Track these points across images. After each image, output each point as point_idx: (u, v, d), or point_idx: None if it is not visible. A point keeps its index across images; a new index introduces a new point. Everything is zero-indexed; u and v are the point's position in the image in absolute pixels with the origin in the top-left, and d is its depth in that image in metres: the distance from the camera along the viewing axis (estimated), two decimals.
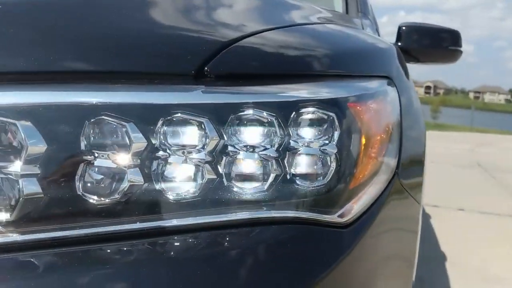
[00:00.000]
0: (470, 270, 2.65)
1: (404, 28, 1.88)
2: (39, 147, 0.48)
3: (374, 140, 0.64)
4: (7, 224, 0.49)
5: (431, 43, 1.92)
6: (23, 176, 0.48)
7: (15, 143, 0.48)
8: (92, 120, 0.50)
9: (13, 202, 0.49)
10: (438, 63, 2.06)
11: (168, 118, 0.52)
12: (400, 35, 1.88)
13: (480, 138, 10.89)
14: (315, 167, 0.56)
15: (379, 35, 1.72)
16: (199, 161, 0.53)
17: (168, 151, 0.52)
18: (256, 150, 0.54)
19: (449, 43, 1.94)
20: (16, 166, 0.48)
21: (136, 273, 0.50)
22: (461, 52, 1.97)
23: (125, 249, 0.52)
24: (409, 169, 0.76)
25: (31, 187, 0.48)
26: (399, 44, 1.86)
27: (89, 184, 0.50)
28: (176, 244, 0.53)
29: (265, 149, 0.54)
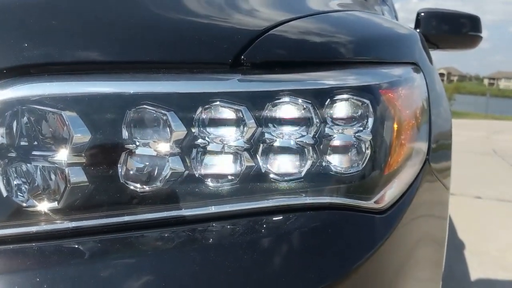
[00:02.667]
0: (489, 259, 2.64)
1: (423, 14, 1.86)
2: (84, 136, 0.50)
3: (406, 126, 0.64)
4: (54, 211, 0.51)
5: (451, 29, 1.90)
6: (69, 165, 0.50)
7: (61, 133, 0.50)
8: (133, 109, 0.51)
9: (60, 191, 0.50)
10: (457, 49, 2.04)
11: (207, 106, 0.53)
12: (419, 21, 1.86)
13: (495, 125, 10.76)
14: (350, 153, 0.57)
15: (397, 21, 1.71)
16: (238, 149, 0.54)
17: (207, 139, 0.53)
18: (293, 137, 0.55)
19: (468, 29, 1.92)
20: (63, 155, 0.50)
21: (176, 259, 0.51)
22: (481, 37, 1.95)
23: (166, 235, 0.53)
24: (438, 154, 0.76)
25: (77, 176, 0.50)
26: (418, 30, 1.84)
27: (131, 172, 0.52)
28: (214, 230, 0.54)
29: (302, 136, 0.55)
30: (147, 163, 0.52)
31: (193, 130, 0.53)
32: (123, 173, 0.52)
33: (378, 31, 0.80)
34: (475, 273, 2.43)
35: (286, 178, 0.55)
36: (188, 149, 0.53)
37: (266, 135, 0.55)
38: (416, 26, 1.87)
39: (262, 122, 0.54)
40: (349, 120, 0.57)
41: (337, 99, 0.56)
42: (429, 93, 0.78)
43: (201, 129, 0.53)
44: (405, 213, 0.60)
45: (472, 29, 1.91)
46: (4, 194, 0.51)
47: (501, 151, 6.57)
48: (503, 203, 3.89)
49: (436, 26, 1.86)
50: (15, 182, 0.51)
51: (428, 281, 0.73)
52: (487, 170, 5.29)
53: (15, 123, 0.50)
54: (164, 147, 0.52)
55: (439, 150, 0.77)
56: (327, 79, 0.58)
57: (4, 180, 0.51)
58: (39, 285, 0.46)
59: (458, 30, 1.91)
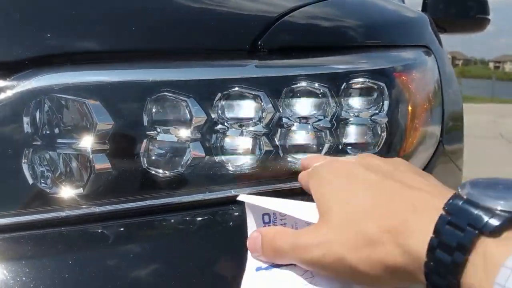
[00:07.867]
0: None
1: None
2: (107, 124, 0.51)
3: (420, 108, 0.65)
4: (79, 197, 0.52)
5: (458, 12, 1.89)
6: (93, 152, 0.51)
7: (84, 121, 0.51)
8: (154, 96, 0.52)
9: (84, 177, 0.52)
10: (465, 33, 2.03)
11: (226, 92, 0.54)
12: (425, 5, 1.85)
13: (501, 109, 10.70)
14: (366, 136, 0.58)
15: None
16: (256, 134, 0.55)
17: (226, 124, 0.54)
18: (310, 121, 0.56)
19: (476, 12, 1.91)
20: (87, 143, 0.51)
21: (198, 240, 0.53)
22: (488, 20, 1.94)
23: (187, 219, 0.55)
24: (451, 136, 0.77)
25: (102, 162, 0.51)
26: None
27: (153, 158, 0.53)
28: (235, 213, 0.55)
29: (319, 120, 0.56)
30: (169, 149, 0.53)
31: (212, 115, 0.54)
32: (145, 159, 0.53)
33: (389, 14, 0.81)
34: None
35: None
36: (208, 134, 0.54)
37: (284, 120, 0.56)
38: (423, 10, 1.86)
39: (280, 107, 0.55)
40: (365, 103, 0.58)
41: (352, 83, 0.57)
42: (441, 75, 0.79)
43: (221, 114, 0.54)
44: None
45: (480, 11, 1.90)
46: (30, 181, 0.52)
47: (508, 135, 6.55)
48: None
49: (443, 10, 1.85)
50: (40, 170, 0.52)
51: None
52: (494, 154, 5.29)
53: (38, 112, 0.51)
54: (184, 133, 0.53)
55: (452, 131, 0.78)
56: (343, 63, 0.59)
57: (30, 168, 0.52)
58: (69, 267, 0.48)
59: (466, 13, 1.90)
